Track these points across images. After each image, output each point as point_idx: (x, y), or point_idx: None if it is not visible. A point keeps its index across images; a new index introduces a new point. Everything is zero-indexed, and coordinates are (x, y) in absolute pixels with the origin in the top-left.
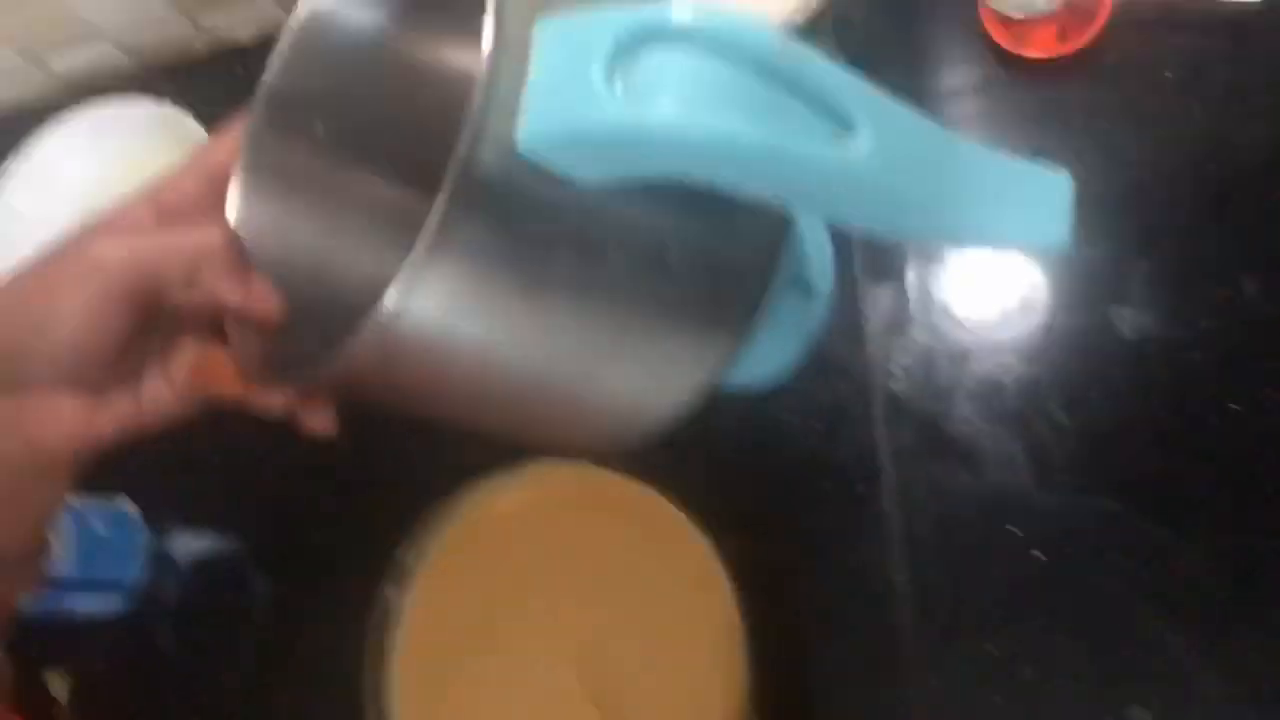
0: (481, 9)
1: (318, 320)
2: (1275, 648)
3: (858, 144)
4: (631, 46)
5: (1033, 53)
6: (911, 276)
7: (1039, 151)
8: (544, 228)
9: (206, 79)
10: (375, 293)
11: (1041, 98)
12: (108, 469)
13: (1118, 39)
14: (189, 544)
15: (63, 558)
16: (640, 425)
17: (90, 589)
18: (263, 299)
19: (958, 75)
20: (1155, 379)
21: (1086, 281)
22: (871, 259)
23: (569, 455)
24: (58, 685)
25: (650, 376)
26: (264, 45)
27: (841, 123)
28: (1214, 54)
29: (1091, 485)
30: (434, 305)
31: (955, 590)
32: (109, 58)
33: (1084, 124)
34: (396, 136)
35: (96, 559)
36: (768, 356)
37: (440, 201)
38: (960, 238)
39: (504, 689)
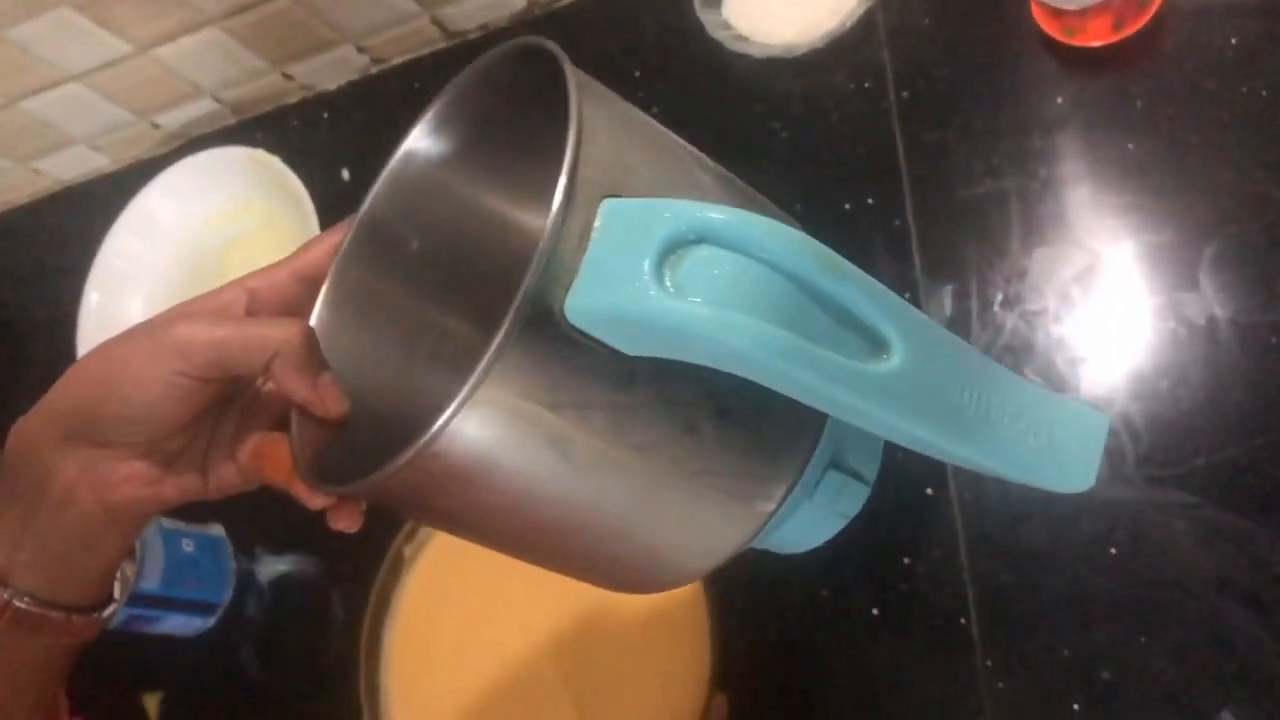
0: (554, 174)
1: (379, 432)
2: None
3: (890, 361)
4: (684, 242)
5: (1089, 42)
6: (973, 274)
7: (1101, 138)
8: (582, 386)
9: (296, 125)
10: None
11: (1101, 86)
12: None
13: (1174, 24)
14: (271, 565)
15: (156, 580)
16: (660, 580)
17: (182, 610)
18: (328, 398)
19: (1015, 71)
20: (1227, 364)
21: (1151, 268)
22: (932, 259)
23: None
24: (147, 702)
25: (673, 540)
26: (349, 92)
27: (875, 339)
28: (1271, 34)
29: (1166, 477)
30: (472, 442)
31: (1026, 591)
32: (209, 111)
33: (1145, 109)
34: (471, 275)
35: (188, 581)
36: (802, 531)
37: (490, 351)
38: (985, 464)
39: (485, 673)
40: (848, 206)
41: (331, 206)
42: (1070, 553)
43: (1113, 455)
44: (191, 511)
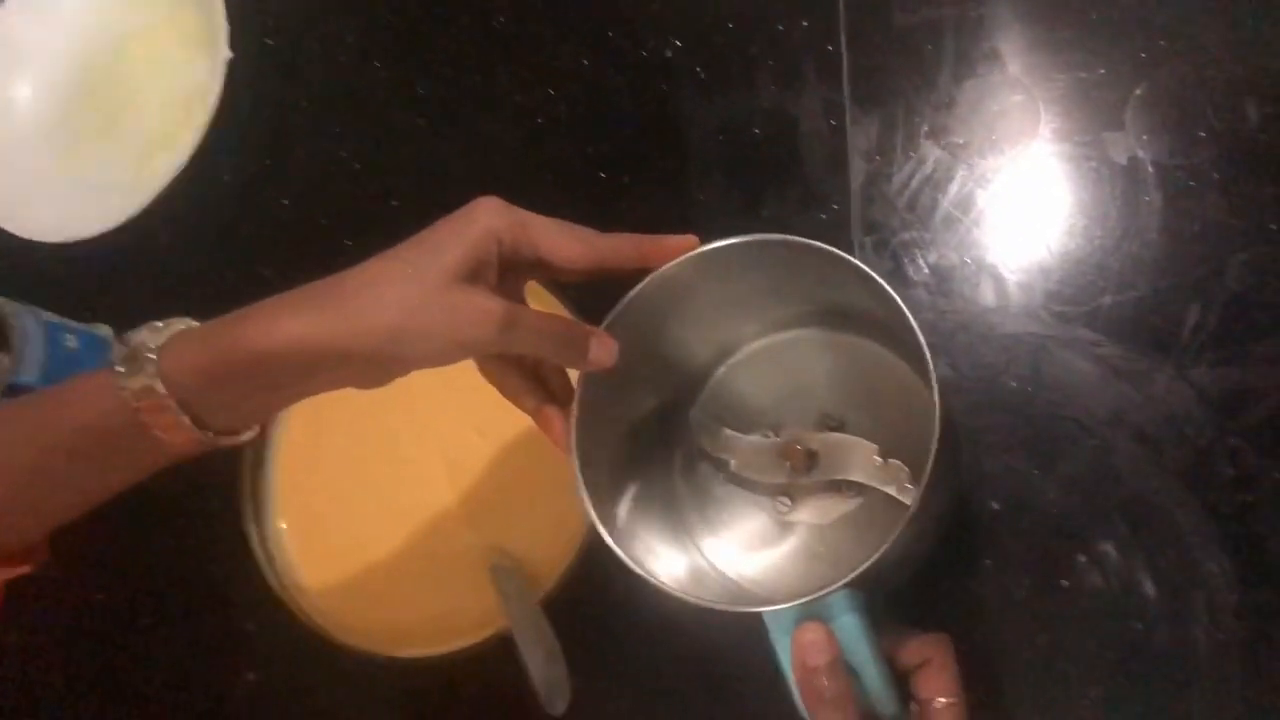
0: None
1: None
2: (1256, 479)
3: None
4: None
5: None
6: (901, 103)
7: None
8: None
9: None
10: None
11: None
12: (90, 300)
13: None
14: None
15: (35, 374)
16: None
17: None
18: (597, 361)
19: None
20: (1143, 205)
21: (1079, 105)
22: (861, 86)
23: None
24: None
25: None
26: None
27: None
28: None
29: (1072, 314)
30: None
31: None
32: None
33: None
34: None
35: (66, 375)
36: None
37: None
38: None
39: (374, 476)
40: (780, 28)
41: (240, 3)
42: (970, 384)
43: (1022, 290)
44: (77, 309)
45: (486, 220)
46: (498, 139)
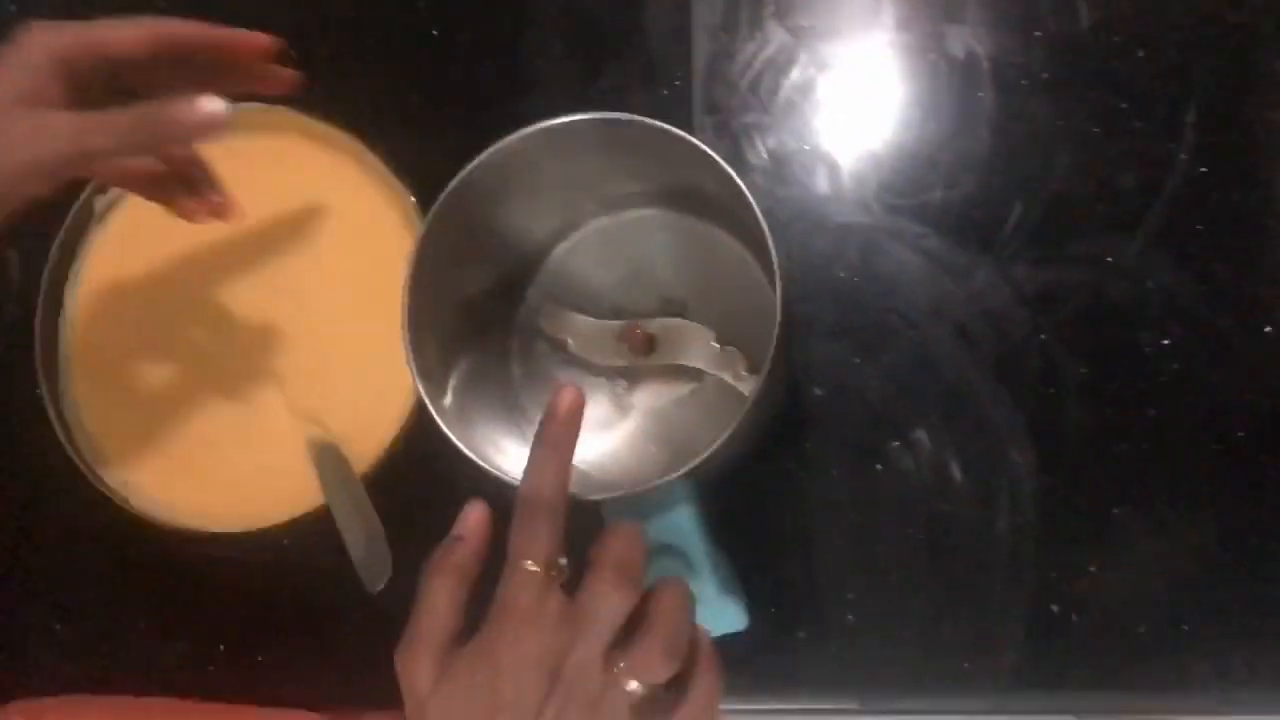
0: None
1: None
2: (1061, 374)
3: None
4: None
5: None
6: None
7: None
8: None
9: None
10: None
11: None
12: None
13: None
14: None
15: None
16: None
17: None
18: (209, 110)
19: None
20: (978, 102)
21: None
22: None
23: None
24: None
25: None
26: None
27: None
28: None
29: (902, 206)
30: None
31: None
32: None
33: None
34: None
35: None
36: None
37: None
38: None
39: (179, 346)
40: None
41: None
42: (802, 272)
43: (856, 180)
44: None
45: (37, 40)
46: None
